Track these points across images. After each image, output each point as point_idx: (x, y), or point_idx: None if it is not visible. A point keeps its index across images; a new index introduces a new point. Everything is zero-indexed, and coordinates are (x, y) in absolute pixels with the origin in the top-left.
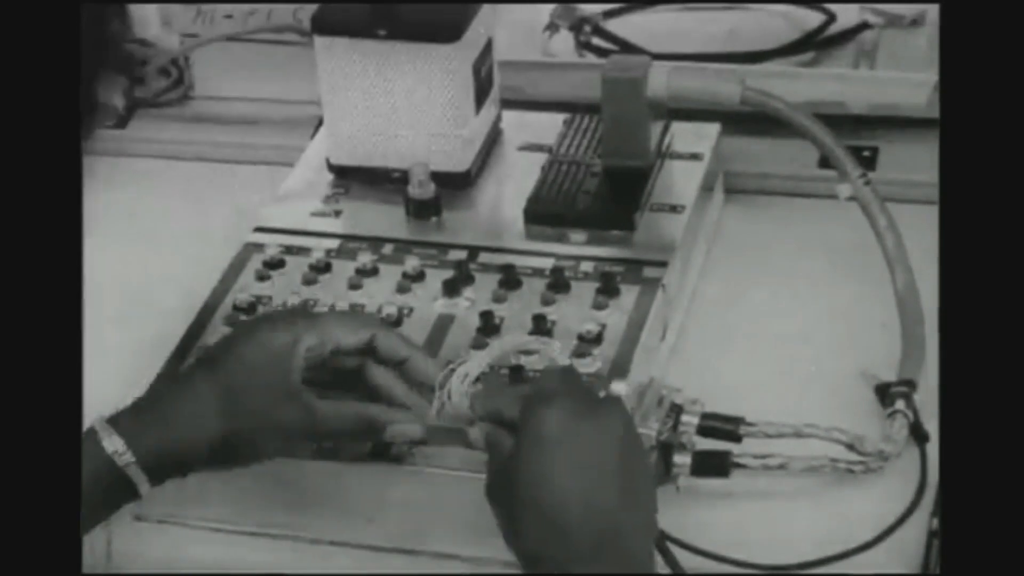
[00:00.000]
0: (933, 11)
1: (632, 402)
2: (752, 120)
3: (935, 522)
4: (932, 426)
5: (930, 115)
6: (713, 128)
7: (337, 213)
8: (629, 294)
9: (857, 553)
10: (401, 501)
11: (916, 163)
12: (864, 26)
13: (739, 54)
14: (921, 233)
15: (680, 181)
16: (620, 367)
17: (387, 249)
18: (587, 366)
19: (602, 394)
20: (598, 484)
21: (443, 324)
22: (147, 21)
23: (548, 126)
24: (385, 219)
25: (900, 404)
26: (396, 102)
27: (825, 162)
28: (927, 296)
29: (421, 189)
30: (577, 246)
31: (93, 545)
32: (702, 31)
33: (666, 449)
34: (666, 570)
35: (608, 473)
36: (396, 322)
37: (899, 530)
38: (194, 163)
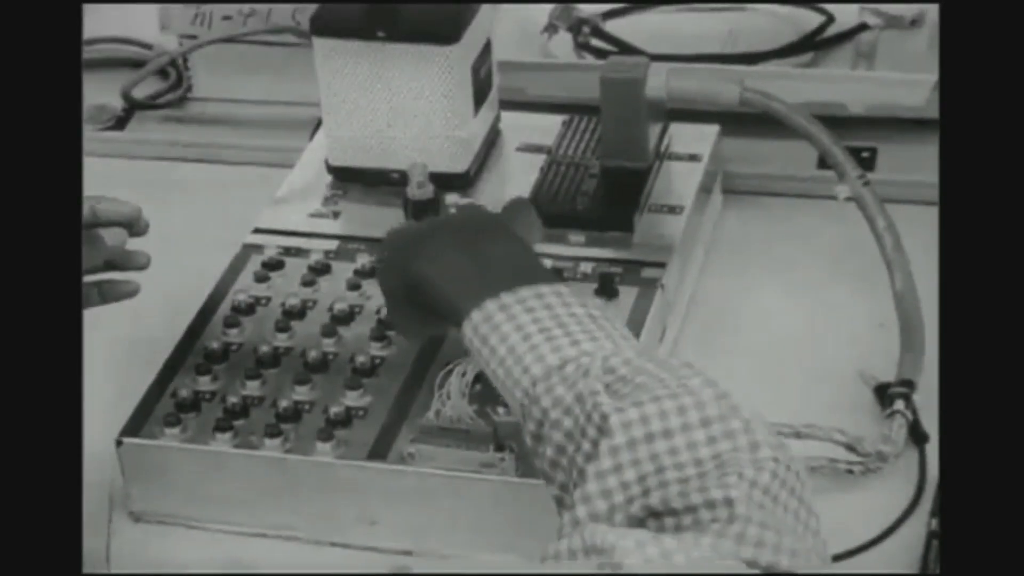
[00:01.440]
0: (932, 11)
1: None
2: (751, 121)
3: (934, 522)
4: (931, 426)
5: (929, 115)
6: (712, 129)
7: (336, 214)
8: (628, 295)
9: (856, 553)
10: (401, 501)
11: (914, 164)
12: (863, 27)
13: (738, 55)
14: (919, 233)
15: (679, 182)
16: None
17: None
18: None
19: None
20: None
21: None
22: (145, 22)
23: (547, 127)
24: (384, 220)
25: (899, 405)
26: (395, 103)
27: (824, 163)
28: (925, 296)
29: (420, 190)
30: (576, 247)
31: (93, 545)
32: (701, 32)
33: None
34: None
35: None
36: None
37: (898, 530)
38: (193, 164)
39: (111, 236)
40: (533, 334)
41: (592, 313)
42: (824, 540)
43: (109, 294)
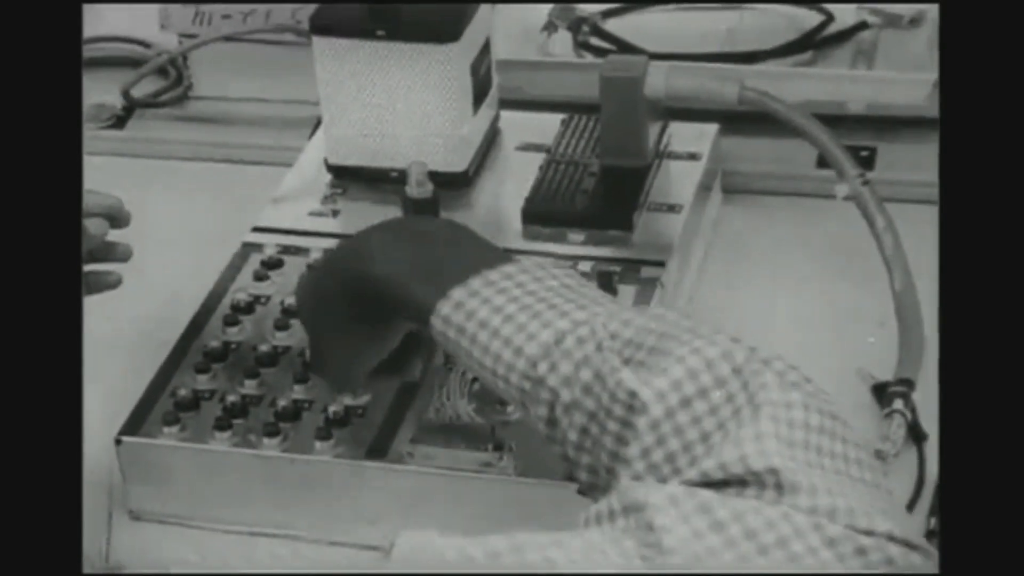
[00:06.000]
0: (931, 11)
1: None
2: (750, 120)
3: (933, 521)
4: (929, 426)
5: (928, 115)
6: (711, 128)
7: (335, 213)
8: (627, 294)
9: None
10: (401, 501)
11: (914, 163)
12: (862, 26)
13: (737, 54)
14: (919, 233)
15: (678, 181)
16: None
17: None
18: None
19: None
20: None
21: None
22: (145, 21)
23: (546, 126)
24: (383, 219)
25: (898, 404)
26: (394, 102)
27: (823, 162)
28: (925, 296)
29: (419, 189)
30: (575, 246)
31: (92, 545)
32: (700, 31)
33: None
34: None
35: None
36: None
37: None
38: (192, 163)
39: (93, 227)
40: (515, 314)
41: (566, 283)
42: (884, 474)
43: (92, 285)
